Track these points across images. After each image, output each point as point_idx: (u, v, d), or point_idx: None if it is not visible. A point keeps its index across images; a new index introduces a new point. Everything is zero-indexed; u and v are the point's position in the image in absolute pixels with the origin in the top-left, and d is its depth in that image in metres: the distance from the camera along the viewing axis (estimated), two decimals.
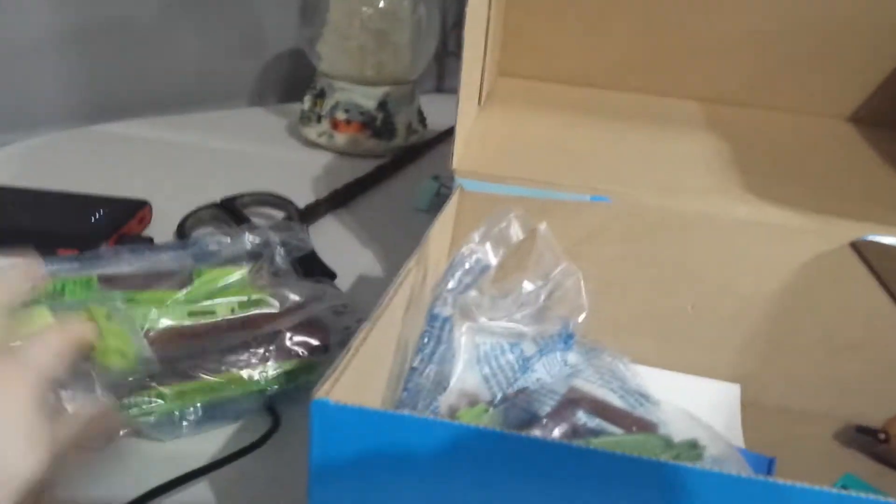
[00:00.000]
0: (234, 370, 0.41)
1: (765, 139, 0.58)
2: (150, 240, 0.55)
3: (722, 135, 0.57)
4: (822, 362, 0.44)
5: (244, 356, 0.41)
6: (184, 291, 0.40)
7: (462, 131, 0.50)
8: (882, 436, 0.40)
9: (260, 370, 0.41)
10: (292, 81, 0.91)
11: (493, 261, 0.36)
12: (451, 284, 0.34)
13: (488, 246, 0.36)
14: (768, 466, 0.39)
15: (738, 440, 0.42)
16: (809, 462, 0.41)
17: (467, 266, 0.35)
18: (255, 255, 0.48)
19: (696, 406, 0.44)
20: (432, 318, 0.34)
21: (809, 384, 0.45)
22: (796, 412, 0.44)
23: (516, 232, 0.38)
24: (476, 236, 0.35)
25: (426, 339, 0.33)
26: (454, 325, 0.35)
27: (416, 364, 0.33)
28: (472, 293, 0.39)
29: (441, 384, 0.35)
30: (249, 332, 0.42)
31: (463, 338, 0.38)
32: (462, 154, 0.50)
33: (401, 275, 0.35)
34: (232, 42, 0.89)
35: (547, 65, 0.67)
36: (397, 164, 0.73)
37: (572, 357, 0.41)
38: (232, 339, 0.41)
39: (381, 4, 0.74)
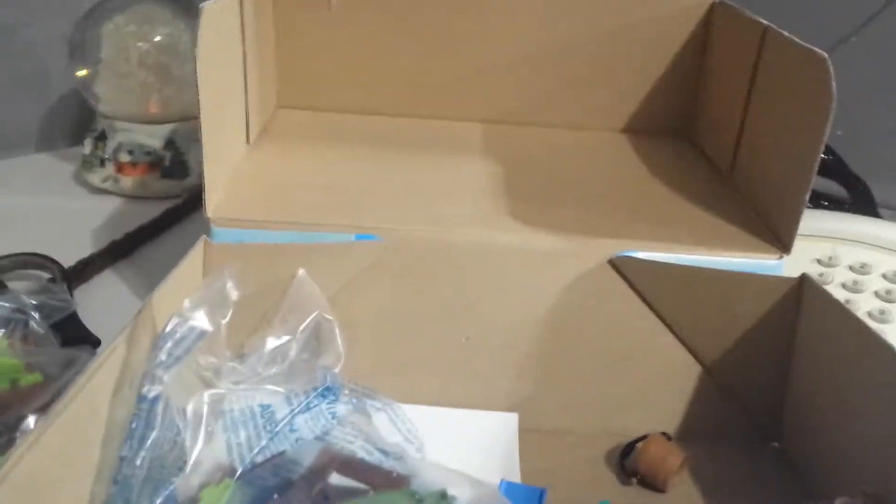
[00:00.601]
0: None
1: (541, 159, 0.58)
2: None
3: (500, 158, 0.57)
4: (593, 380, 0.45)
5: None
6: None
7: (217, 175, 0.47)
8: (634, 480, 0.41)
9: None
10: (82, 124, 0.84)
11: (214, 324, 0.33)
12: (161, 358, 0.31)
13: (205, 309, 0.33)
14: (539, 500, 0.38)
15: (515, 472, 0.41)
16: (582, 487, 0.40)
17: (179, 335, 0.32)
18: (4, 324, 0.44)
19: (473, 440, 0.43)
20: (140, 398, 0.30)
21: (584, 403, 0.45)
22: (573, 434, 0.44)
23: (236, 289, 0.35)
24: (188, 301, 0.33)
25: (134, 424, 0.30)
26: (174, 401, 0.32)
27: (125, 453, 0.30)
28: (209, 359, 0.36)
29: (175, 467, 0.32)
30: None
31: (202, 408, 0.35)
32: (218, 200, 0.47)
33: (104, 352, 0.31)
34: (12, 84, 0.82)
35: (330, 95, 0.65)
36: (191, 205, 0.68)
37: (340, 408, 0.39)
38: None
39: (158, 38, 0.69)
